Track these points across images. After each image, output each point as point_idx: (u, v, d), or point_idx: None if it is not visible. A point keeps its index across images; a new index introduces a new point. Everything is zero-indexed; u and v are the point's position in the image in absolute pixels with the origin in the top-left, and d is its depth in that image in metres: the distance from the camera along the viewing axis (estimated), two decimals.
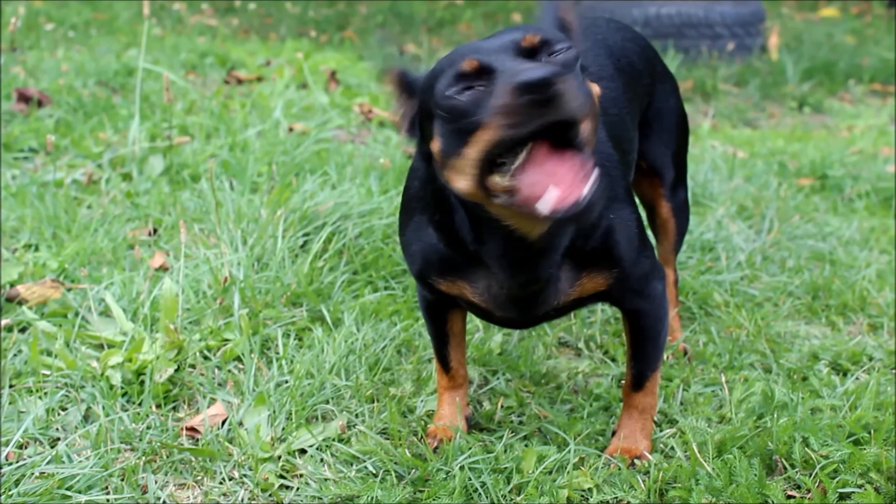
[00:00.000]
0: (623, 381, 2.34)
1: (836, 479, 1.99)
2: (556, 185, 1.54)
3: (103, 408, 2.30)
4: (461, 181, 1.66)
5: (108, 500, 2.01)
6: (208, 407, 2.36)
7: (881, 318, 2.97)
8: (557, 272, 1.94)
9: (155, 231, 3.38)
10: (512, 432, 2.27)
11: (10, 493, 1.98)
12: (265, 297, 2.83)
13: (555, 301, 1.99)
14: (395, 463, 2.13)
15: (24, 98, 4.66)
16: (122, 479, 2.07)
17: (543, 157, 1.57)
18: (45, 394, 2.37)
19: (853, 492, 1.97)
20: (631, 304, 2.12)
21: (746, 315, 2.93)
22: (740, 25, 7.70)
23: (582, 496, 2.05)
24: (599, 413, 2.39)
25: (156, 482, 2.08)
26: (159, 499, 2.05)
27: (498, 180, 1.60)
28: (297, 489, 2.09)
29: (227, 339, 2.64)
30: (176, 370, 2.46)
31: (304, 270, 2.92)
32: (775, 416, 2.23)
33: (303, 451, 2.20)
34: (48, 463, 2.08)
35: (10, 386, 2.42)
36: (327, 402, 2.38)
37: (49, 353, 2.54)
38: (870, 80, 7.40)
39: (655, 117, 2.55)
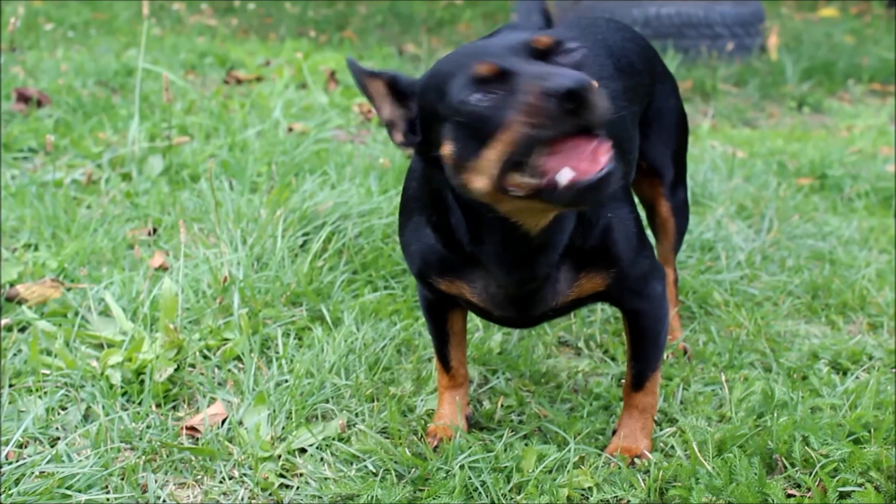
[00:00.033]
0: (623, 381, 2.34)
1: (837, 478, 1.99)
2: (574, 162, 1.54)
3: (103, 407, 2.30)
4: (478, 182, 1.64)
5: (108, 500, 2.01)
6: (208, 406, 2.36)
7: (881, 318, 2.98)
8: (556, 273, 1.94)
9: (154, 231, 3.38)
10: (512, 431, 2.27)
11: (10, 492, 1.98)
12: (265, 296, 2.83)
13: (553, 301, 1.99)
14: (395, 462, 2.13)
15: (23, 98, 4.66)
16: (122, 479, 2.07)
17: (560, 142, 1.56)
18: (45, 393, 2.37)
19: (853, 490, 1.97)
20: (630, 305, 2.12)
21: (746, 314, 2.93)
22: (740, 25, 7.70)
23: (582, 495, 2.05)
24: (599, 412, 2.39)
25: (156, 481, 2.08)
26: (159, 498, 2.05)
27: (518, 178, 1.59)
28: (297, 488, 2.09)
29: (226, 339, 2.64)
30: (176, 369, 2.46)
31: (304, 270, 2.92)
32: (775, 415, 2.23)
33: (303, 451, 2.20)
34: (48, 462, 2.08)
35: (10, 385, 2.42)
36: (327, 402, 2.38)
37: (49, 353, 2.54)
38: (869, 79, 7.40)
39: (655, 117, 2.55)
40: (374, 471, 2.12)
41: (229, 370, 2.52)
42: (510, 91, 1.57)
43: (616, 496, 2.04)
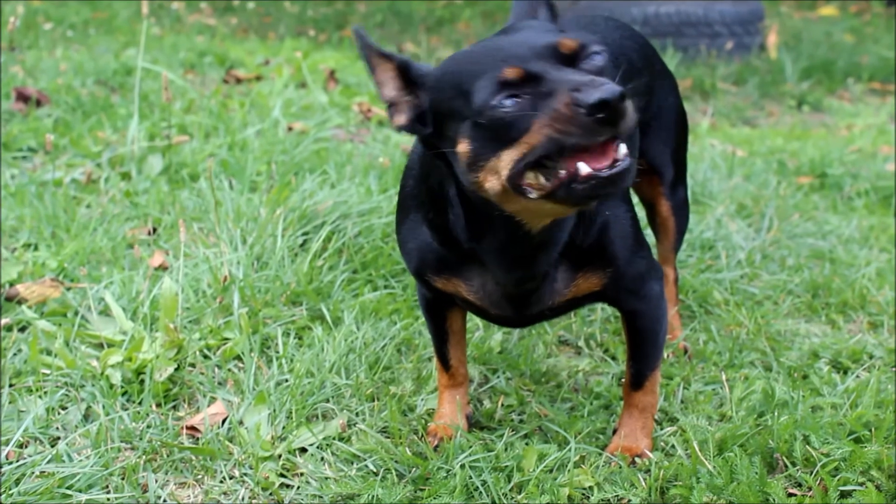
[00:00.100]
0: (623, 380, 2.34)
1: (837, 477, 1.99)
2: (589, 158, 1.55)
3: (103, 407, 2.30)
4: (493, 181, 1.64)
5: (108, 499, 2.01)
6: (208, 406, 2.36)
7: (881, 316, 2.98)
8: (554, 272, 1.94)
9: (154, 230, 3.38)
10: (512, 431, 2.27)
11: (10, 492, 1.98)
12: (265, 295, 2.82)
13: (550, 301, 1.99)
14: (396, 461, 2.13)
15: (22, 97, 4.66)
16: (123, 478, 2.07)
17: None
18: (45, 393, 2.37)
19: (854, 490, 1.97)
20: (627, 305, 2.12)
21: (746, 313, 2.93)
22: (739, 24, 7.70)
23: (583, 494, 2.05)
24: (600, 411, 2.39)
25: (156, 481, 2.08)
26: (160, 497, 2.04)
27: (533, 178, 1.60)
28: (298, 488, 2.08)
29: (226, 338, 2.64)
30: (176, 369, 2.46)
31: (304, 269, 2.92)
32: (776, 414, 2.23)
33: (303, 450, 2.20)
34: (48, 462, 2.08)
35: (10, 385, 2.42)
36: (327, 401, 2.38)
37: (49, 353, 2.54)
38: (869, 78, 7.40)
39: (654, 116, 2.54)
40: (375, 470, 2.12)
41: (229, 370, 2.52)
42: (537, 96, 1.56)
43: (617, 495, 2.04)
